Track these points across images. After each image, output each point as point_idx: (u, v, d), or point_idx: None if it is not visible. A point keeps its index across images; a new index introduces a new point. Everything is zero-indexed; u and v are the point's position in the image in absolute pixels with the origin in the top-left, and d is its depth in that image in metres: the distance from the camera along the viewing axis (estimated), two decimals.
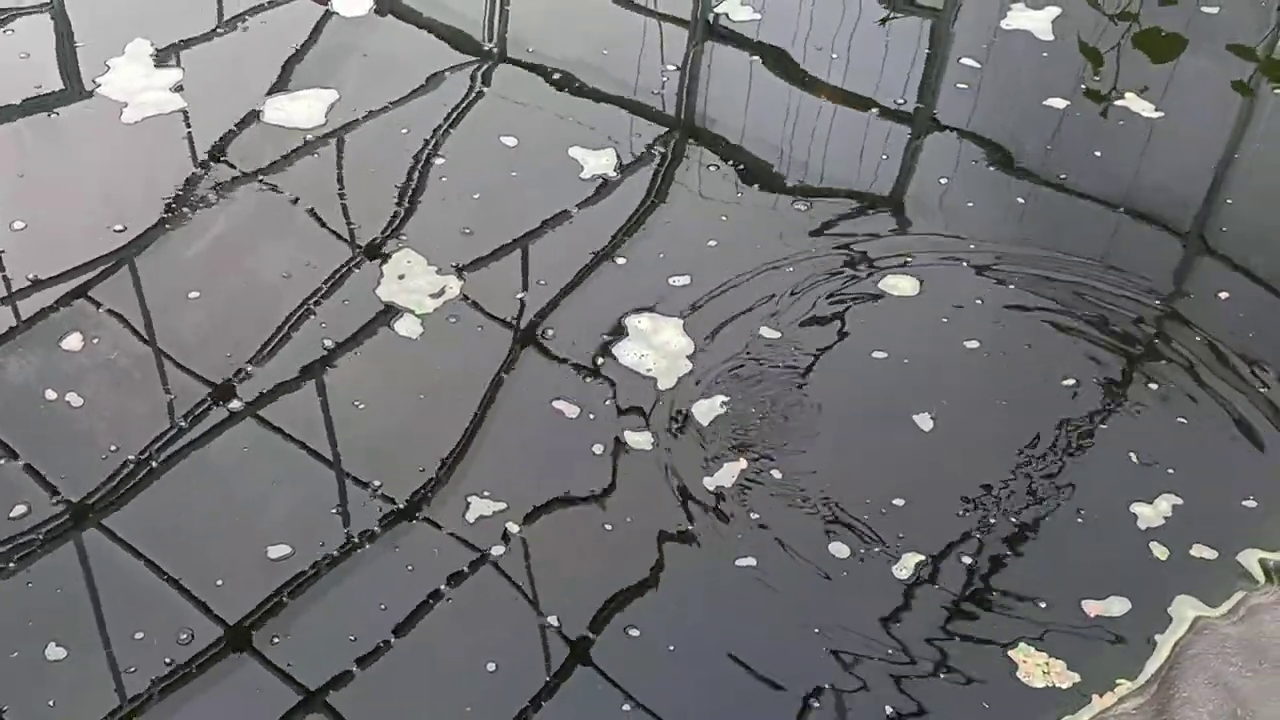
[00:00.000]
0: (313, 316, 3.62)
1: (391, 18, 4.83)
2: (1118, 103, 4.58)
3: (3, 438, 3.25)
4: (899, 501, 3.21)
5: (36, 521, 3.07)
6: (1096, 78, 4.69)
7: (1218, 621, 2.97)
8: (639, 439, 3.32)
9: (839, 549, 3.10)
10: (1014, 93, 4.64)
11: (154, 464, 3.21)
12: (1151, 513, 3.22)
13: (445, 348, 3.56)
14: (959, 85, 4.64)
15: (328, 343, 3.55)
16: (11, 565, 2.98)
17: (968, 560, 3.10)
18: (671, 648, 2.91)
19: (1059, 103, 4.55)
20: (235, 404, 3.37)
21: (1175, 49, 4.90)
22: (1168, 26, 5.00)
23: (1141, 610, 3.01)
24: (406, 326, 3.60)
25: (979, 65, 4.72)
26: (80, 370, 3.43)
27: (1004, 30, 4.93)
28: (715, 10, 4.93)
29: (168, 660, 2.83)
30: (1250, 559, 3.13)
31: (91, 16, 4.75)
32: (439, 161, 4.16)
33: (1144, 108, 4.56)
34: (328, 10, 4.81)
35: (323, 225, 3.93)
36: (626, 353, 3.54)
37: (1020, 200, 4.16)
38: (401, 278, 3.73)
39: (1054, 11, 5.00)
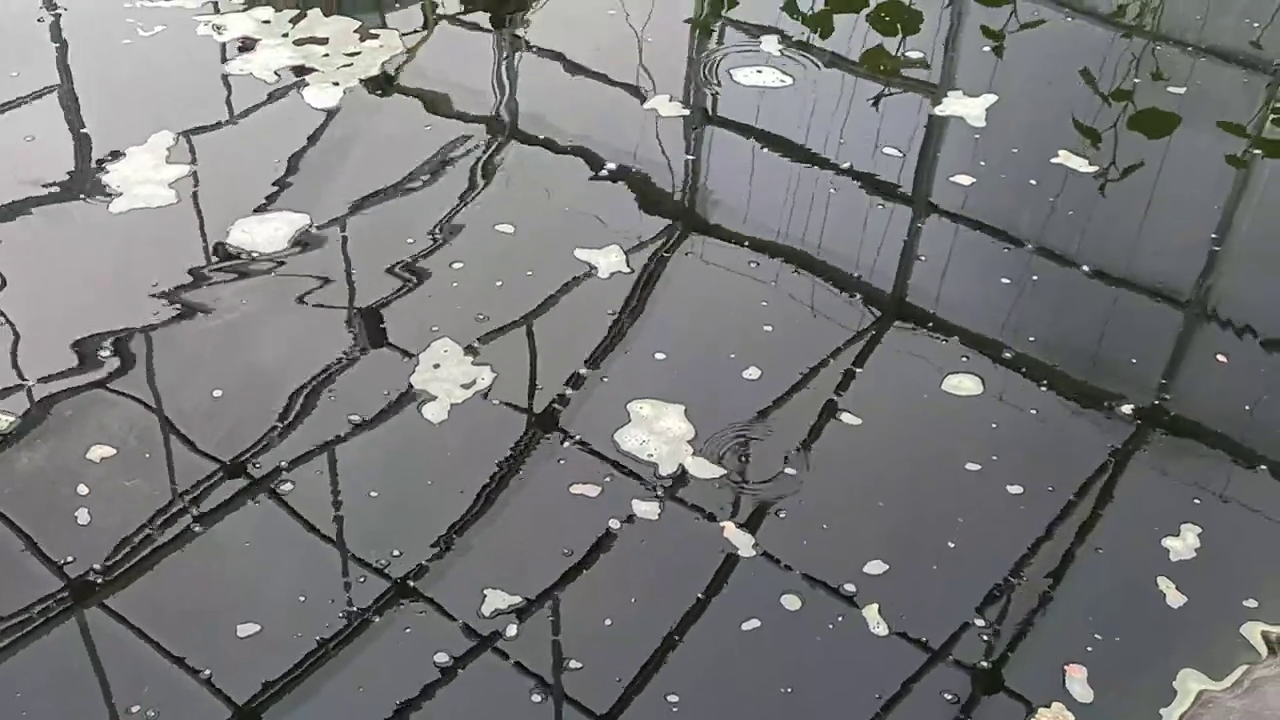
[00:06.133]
0: (338, 402, 3.67)
1: (364, 110, 4.95)
2: (1053, 160, 4.68)
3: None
4: (888, 567, 3.25)
5: (43, 603, 3.11)
6: (1095, 149, 4.76)
7: (1222, 695, 2.97)
8: (648, 509, 3.37)
9: (834, 613, 3.14)
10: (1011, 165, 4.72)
11: (167, 546, 3.25)
12: (1162, 580, 3.25)
13: (470, 434, 3.59)
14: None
15: (353, 417, 3.61)
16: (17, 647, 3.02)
17: (981, 625, 3.12)
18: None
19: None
20: (252, 486, 3.41)
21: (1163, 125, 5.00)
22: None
23: (1146, 682, 3.02)
24: (434, 413, 3.63)
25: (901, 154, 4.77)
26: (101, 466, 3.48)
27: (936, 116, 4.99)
28: (645, 107, 4.99)
29: None
30: (1253, 631, 3.14)
31: (131, 103, 4.89)
32: (450, 260, 4.21)
33: (1079, 164, 4.66)
34: (324, 110, 4.91)
35: (332, 311, 4.00)
36: (629, 438, 3.57)
37: (1017, 279, 4.23)
38: (436, 366, 3.78)
39: (990, 99, 5.05)
